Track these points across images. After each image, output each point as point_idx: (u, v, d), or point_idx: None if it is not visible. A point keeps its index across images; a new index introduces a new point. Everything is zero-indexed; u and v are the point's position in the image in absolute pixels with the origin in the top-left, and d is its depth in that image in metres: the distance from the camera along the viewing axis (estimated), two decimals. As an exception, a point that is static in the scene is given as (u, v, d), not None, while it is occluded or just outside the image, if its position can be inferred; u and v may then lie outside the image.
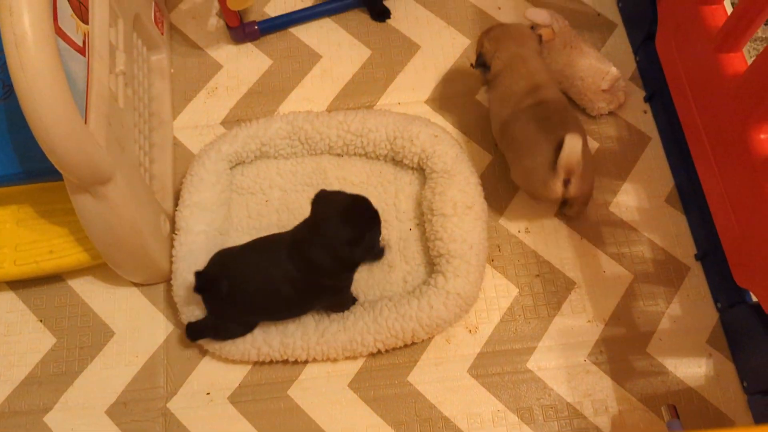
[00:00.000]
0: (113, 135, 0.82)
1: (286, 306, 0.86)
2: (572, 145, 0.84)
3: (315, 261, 0.79)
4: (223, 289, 0.82)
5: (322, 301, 0.88)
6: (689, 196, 0.98)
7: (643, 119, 1.06)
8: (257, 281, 0.83)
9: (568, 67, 1.03)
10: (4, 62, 0.91)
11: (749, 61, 0.81)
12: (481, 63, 0.98)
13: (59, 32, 0.74)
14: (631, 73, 1.09)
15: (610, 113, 1.06)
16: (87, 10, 0.83)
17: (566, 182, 0.88)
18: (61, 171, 0.74)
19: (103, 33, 0.84)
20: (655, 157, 1.03)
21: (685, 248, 0.98)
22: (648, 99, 1.07)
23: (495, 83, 0.96)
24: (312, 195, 1.00)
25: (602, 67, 1.02)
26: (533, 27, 1.02)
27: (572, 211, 0.97)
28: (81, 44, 0.79)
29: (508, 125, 0.93)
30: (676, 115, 0.98)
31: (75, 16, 0.79)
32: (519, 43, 0.96)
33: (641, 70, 1.08)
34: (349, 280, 0.88)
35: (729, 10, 0.87)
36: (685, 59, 0.94)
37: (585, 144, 0.88)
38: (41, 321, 0.96)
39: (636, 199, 1.01)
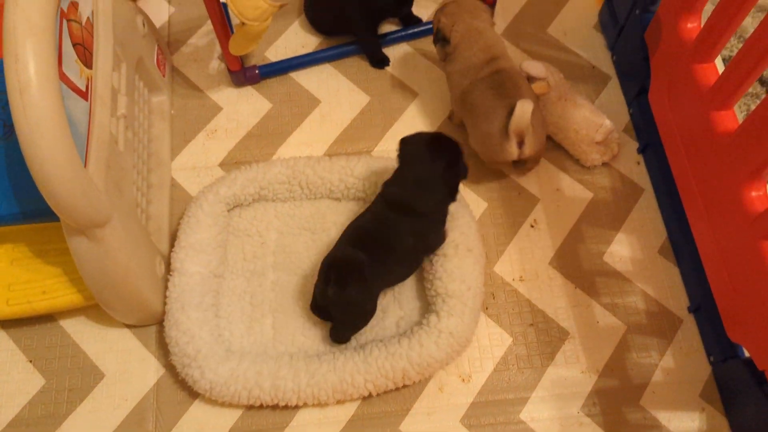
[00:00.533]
0: (112, 178, 0.82)
1: (408, 261, 0.92)
2: (523, 109, 0.90)
3: (423, 198, 0.87)
4: (366, 271, 0.85)
5: (428, 241, 0.93)
6: (682, 248, 0.99)
7: (637, 170, 1.08)
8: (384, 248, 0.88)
9: (562, 119, 1.05)
10: (6, 103, 0.92)
11: (740, 119, 0.83)
12: (440, 38, 1.03)
13: (63, 77, 0.75)
14: (625, 125, 1.11)
15: (604, 164, 1.07)
16: (91, 55, 0.84)
17: (520, 144, 0.95)
18: (58, 214, 0.75)
19: (106, 77, 0.85)
20: (648, 208, 1.05)
21: (678, 300, 0.98)
22: (641, 151, 1.08)
23: (454, 56, 1.02)
24: (309, 240, 1.01)
25: (596, 120, 1.04)
26: (529, 78, 1.05)
27: (525, 168, 1.01)
28: (84, 89, 0.80)
29: (467, 94, 0.99)
30: (669, 168, 1.00)
31: (79, 62, 0.80)
32: (473, 15, 1.01)
33: (635, 122, 1.10)
34: (447, 211, 0.93)
35: (720, 68, 0.89)
36: (678, 114, 0.96)
37: (537, 108, 0.95)
38: (31, 361, 0.95)
39: (629, 249, 1.02)
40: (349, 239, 0.89)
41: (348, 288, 0.84)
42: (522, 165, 0.99)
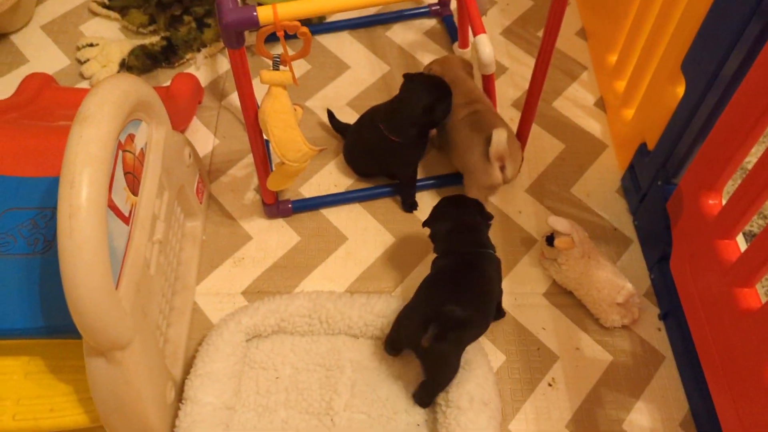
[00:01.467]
0: (139, 301, 0.84)
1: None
2: (499, 136, 1.05)
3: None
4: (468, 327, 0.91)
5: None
6: (705, 423, 0.96)
7: (658, 337, 1.07)
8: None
9: (584, 276, 1.06)
10: (49, 219, 0.97)
11: (763, 298, 0.84)
12: None
13: (110, 204, 0.79)
14: (646, 290, 1.12)
15: (625, 327, 1.07)
16: (139, 183, 0.88)
17: (502, 168, 1.09)
18: (82, 334, 0.75)
19: (149, 204, 0.89)
20: (669, 377, 1.03)
21: (700, 479, 0.94)
22: (663, 317, 1.08)
23: None
24: (323, 377, 1.01)
25: (618, 282, 1.05)
26: (554, 234, 1.08)
27: (506, 180, 1.12)
28: (127, 214, 0.84)
29: (450, 133, 1.15)
30: (691, 337, 0.99)
31: (127, 189, 0.84)
32: (459, 67, 1.20)
33: (656, 287, 1.11)
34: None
35: (742, 245, 0.91)
36: (700, 285, 0.97)
37: (511, 134, 1.11)
38: (24, 481, 0.91)
39: (650, 420, 0.99)
40: (444, 290, 0.93)
41: (445, 342, 0.88)
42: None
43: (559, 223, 1.07)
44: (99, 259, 0.71)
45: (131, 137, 0.87)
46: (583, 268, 1.06)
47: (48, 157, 1.02)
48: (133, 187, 0.87)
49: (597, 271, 1.06)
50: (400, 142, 1.12)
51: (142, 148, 0.90)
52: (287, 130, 0.96)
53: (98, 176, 0.72)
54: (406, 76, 1.13)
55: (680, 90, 1.01)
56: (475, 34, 1.16)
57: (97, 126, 0.74)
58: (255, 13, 0.81)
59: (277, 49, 0.90)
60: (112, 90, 0.79)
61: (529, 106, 1.11)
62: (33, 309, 0.87)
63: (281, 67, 0.91)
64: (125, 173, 0.84)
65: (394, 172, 1.22)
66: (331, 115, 1.29)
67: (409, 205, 1.21)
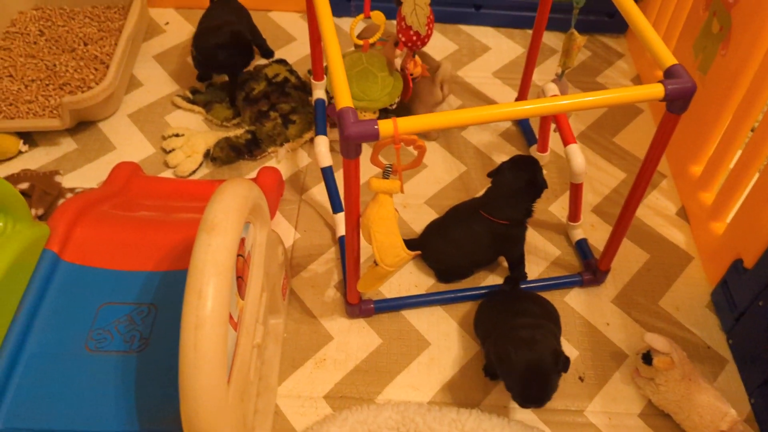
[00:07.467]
0: (242, 410, 0.81)
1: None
2: (445, 66, 1.37)
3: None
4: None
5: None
6: None
7: (765, 469, 1.01)
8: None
9: (685, 400, 1.01)
10: (146, 316, 0.96)
11: None
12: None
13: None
14: (746, 415, 1.07)
15: (729, 454, 1.01)
16: (245, 285, 0.88)
17: (442, 88, 1.40)
18: (189, 446, 0.73)
19: (254, 307, 0.88)
20: None
21: None
22: (768, 447, 1.02)
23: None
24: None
25: (722, 407, 1.00)
26: (651, 351, 1.04)
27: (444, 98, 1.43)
28: (236, 319, 0.83)
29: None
30: (804, 474, 0.93)
31: (237, 294, 0.83)
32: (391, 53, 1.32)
33: (757, 413, 1.06)
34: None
35: None
36: (816, 418, 0.92)
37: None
38: None
39: None
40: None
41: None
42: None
43: (658, 342, 1.04)
44: (220, 373, 0.70)
45: (242, 240, 0.87)
46: (684, 390, 1.02)
47: (143, 251, 1.02)
48: (241, 290, 0.86)
49: (698, 394, 1.01)
50: (510, 224, 1.14)
51: (249, 251, 0.90)
52: (389, 236, 0.96)
53: (224, 287, 0.71)
54: (492, 173, 1.16)
55: (786, 210, 1.00)
56: (565, 144, 1.17)
57: (224, 235, 0.74)
58: (376, 127, 0.82)
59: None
60: (235, 197, 0.79)
61: (622, 222, 1.09)
62: (128, 412, 0.85)
63: (391, 176, 0.92)
64: (237, 278, 0.83)
65: (504, 256, 1.22)
66: None
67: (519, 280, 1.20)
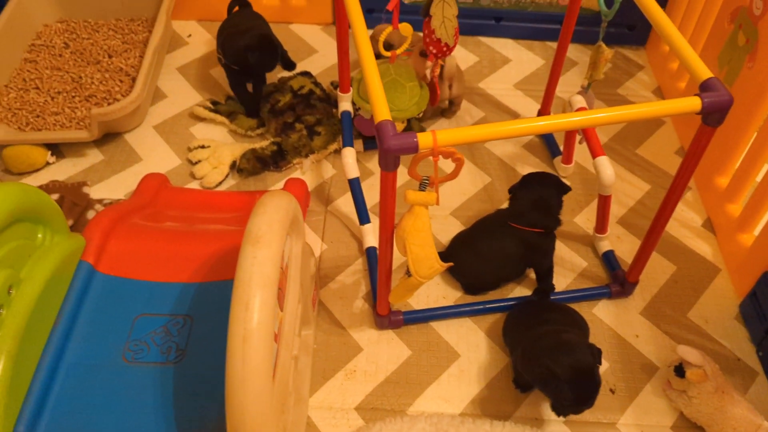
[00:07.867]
0: (282, 422, 0.81)
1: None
2: (449, 63, 1.39)
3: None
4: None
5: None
6: None
7: (800, 482, 1.00)
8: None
9: (719, 413, 1.01)
10: (182, 327, 0.96)
11: None
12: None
13: (269, 323, 0.78)
14: (779, 427, 1.06)
15: (764, 471, 1.01)
16: (284, 296, 0.88)
17: (450, 87, 1.45)
18: (232, 459, 0.73)
19: (292, 319, 0.89)
20: None
21: None
22: (802, 460, 1.02)
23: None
24: None
25: (755, 420, 1.00)
26: (683, 364, 1.04)
27: (450, 112, 1.53)
28: (277, 331, 0.83)
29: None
30: (842, 487, 0.93)
31: (278, 305, 0.84)
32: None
33: (790, 426, 1.05)
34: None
35: None
36: None
37: (458, 67, 1.46)
38: None
39: None
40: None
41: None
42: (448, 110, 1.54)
43: (691, 354, 1.03)
44: (267, 386, 0.70)
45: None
46: (717, 403, 1.01)
47: (176, 263, 1.03)
48: (281, 302, 0.86)
49: (732, 407, 1.01)
50: (543, 233, 1.16)
51: (287, 262, 0.91)
52: (424, 247, 0.96)
53: (270, 299, 0.72)
54: (513, 188, 1.21)
55: (818, 223, 1.00)
56: (594, 156, 1.18)
57: (268, 247, 0.74)
58: (415, 139, 0.82)
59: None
60: (278, 209, 0.80)
61: (652, 235, 1.09)
62: (167, 423, 0.85)
63: (428, 188, 0.92)
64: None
65: (534, 268, 1.22)
66: None
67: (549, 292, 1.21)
